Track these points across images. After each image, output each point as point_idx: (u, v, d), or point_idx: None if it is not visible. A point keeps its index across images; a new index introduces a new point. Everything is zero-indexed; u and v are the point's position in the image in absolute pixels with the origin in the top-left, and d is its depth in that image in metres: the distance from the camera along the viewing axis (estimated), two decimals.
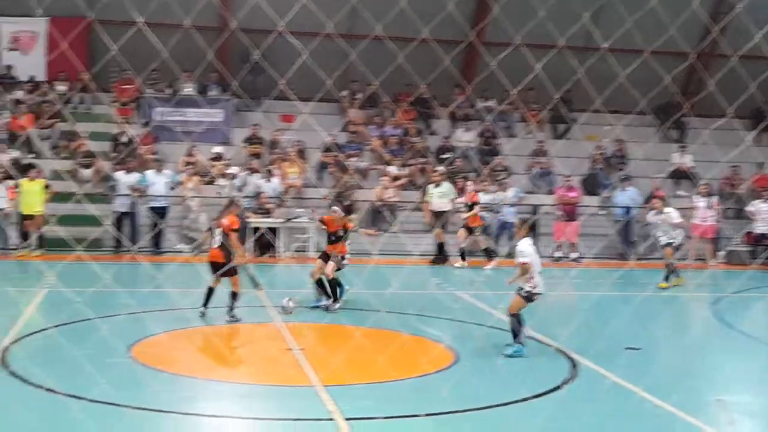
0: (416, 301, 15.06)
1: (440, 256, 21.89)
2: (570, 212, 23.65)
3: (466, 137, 26.78)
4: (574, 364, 11.18)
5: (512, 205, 23.19)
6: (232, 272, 13.29)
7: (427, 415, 8.79)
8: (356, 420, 8.62)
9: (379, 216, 23.45)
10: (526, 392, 9.64)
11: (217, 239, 13.32)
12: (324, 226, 14.94)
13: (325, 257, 14.69)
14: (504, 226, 23.05)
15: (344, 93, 27.03)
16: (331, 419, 8.67)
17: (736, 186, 25.71)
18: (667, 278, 18.19)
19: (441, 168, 23.30)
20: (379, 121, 26.85)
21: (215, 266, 13.26)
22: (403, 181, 24.73)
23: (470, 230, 21.37)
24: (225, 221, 13.35)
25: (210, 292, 13.31)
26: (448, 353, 11.63)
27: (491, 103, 27.20)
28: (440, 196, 22.76)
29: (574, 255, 22.98)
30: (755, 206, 23.89)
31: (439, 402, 9.22)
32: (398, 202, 23.87)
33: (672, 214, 18.40)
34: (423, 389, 9.90)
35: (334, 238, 14.67)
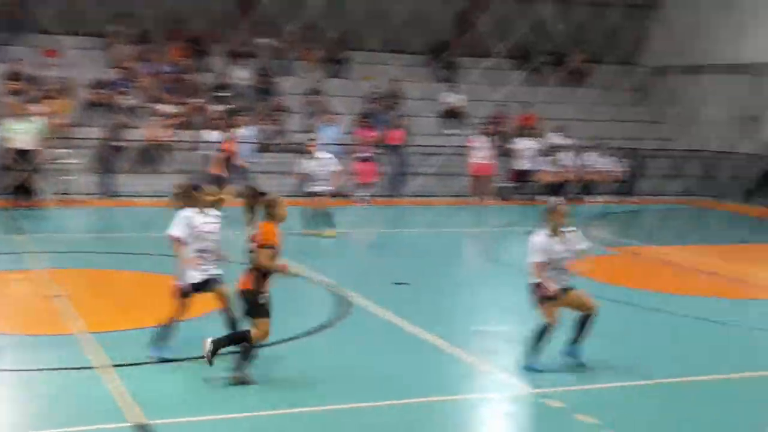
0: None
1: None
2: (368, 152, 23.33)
3: (242, 75, 26.32)
4: (346, 301, 11.35)
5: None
6: None
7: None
8: (123, 366, 8.35)
9: (152, 156, 22.73)
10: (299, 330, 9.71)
11: None
12: None
13: None
14: None
15: (112, 28, 25.77)
16: (91, 368, 8.37)
17: (503, 124, 26.52)
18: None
19: (219, 107, 22.60)
20: (154, 58, 25.87)
21: None
22: (177, 120, 24.00)
23: None
24: None
25: None
26: None
27: (269, 41, 26.81)
28: (25, 132, 19.61)
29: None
30: (520, 144, 24.84)
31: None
32: (173, 141, 23.22)
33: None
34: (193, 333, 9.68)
35: None
